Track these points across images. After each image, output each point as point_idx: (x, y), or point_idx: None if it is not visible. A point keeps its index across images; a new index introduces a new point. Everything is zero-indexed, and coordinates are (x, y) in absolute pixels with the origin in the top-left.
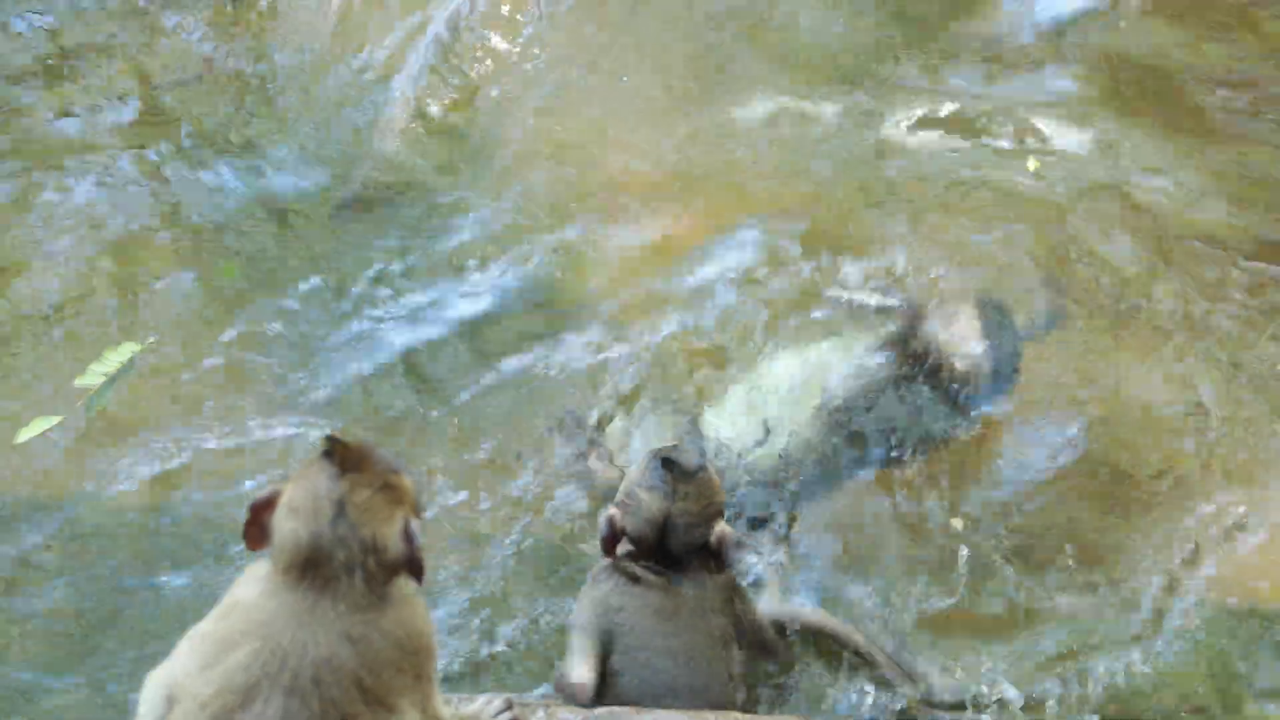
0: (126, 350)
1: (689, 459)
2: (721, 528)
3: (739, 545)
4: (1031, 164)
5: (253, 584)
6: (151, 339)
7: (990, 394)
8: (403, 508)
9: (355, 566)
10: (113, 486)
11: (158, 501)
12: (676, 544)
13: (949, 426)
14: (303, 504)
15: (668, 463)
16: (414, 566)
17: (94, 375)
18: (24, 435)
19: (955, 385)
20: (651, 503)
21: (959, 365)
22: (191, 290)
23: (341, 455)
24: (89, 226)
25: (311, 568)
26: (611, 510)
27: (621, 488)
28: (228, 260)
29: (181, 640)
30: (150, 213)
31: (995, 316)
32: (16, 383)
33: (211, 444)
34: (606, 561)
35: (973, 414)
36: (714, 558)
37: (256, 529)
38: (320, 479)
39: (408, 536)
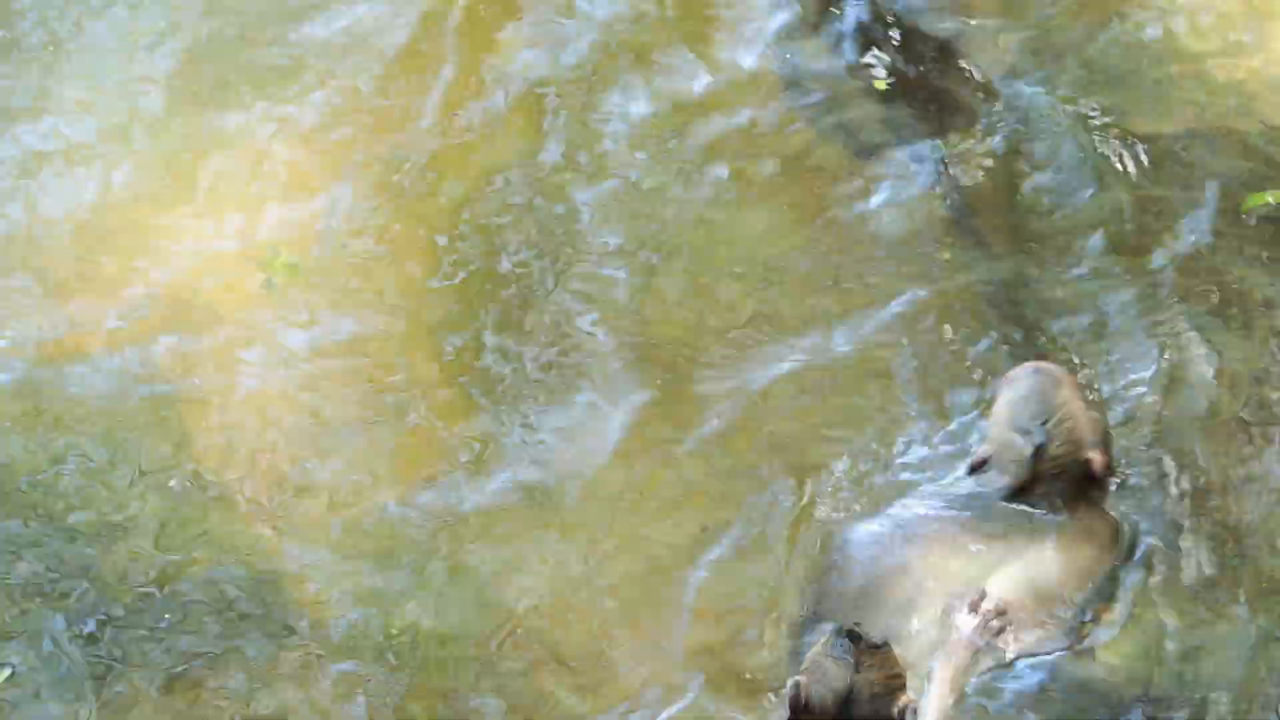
0: None
1: (872, 633)
2: (906, 699)
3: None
4: None
5: None
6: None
7: None
8: None
9: None
10: None
11: None
12: (859, 715)
13: None
14: None
15: (852, 635)
16: None
17: None
18: None
19: None
20: (836, 672)
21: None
22: None
23: None
24: None
25: None
26: (799, 677)
27: (807, 658)
28: None
29: None
30: None
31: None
32: None
33: None
34: None
35: None
36: None
37: None
38: None
39: None
